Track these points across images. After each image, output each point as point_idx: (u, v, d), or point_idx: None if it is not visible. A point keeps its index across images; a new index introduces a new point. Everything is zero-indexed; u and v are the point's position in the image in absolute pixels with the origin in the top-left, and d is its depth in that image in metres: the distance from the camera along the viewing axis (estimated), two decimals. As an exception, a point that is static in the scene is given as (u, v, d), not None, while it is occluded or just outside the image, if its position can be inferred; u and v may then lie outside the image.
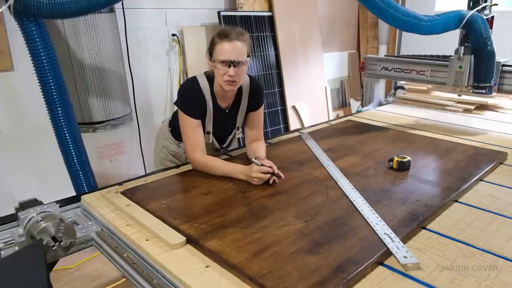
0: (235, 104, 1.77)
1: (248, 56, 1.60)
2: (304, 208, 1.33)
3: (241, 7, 3.66)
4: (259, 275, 0.97)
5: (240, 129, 1.87)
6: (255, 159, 1.59)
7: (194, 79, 1.70)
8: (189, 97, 1.67)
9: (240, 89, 1.74)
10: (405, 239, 1.15)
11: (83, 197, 1.47)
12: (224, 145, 1.88)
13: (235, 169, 1.59)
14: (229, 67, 1.54)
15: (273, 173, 1.52)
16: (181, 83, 1.77)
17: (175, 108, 1.74)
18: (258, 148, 1.76)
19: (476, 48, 2.20)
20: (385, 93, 4.74)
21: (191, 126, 1.66)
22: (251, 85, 1.77)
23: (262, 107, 1.84)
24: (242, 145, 2.43)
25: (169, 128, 1.92)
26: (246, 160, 1.79)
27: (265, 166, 1.52)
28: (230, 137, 1.87)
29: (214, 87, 1.68)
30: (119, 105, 2.67)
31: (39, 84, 1.83)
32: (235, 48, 1.54)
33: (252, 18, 3.69)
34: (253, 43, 3.65)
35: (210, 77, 1.68)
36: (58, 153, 1.96)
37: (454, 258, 1.08)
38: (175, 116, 1.90)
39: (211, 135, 1.77)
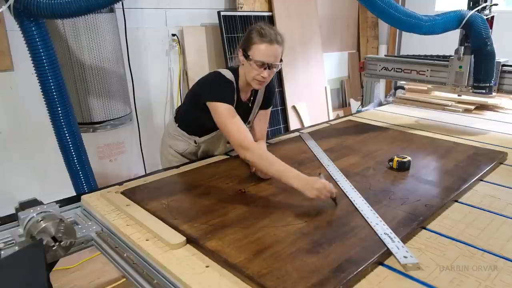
0: (252, 98, 1.80)
1: (281, 60, 1.60)
2: (304, 208, 1.33)
3: (241, 7, 3.66)
4: (259, 275, 0.97)
5: (251, 124, 1.89)
6: (320, 175, 1.38)
7: (219, 72, 1.68)
8: (222, 86, 1.63)
9: None
10: (405, 239, 1.15)
11: (83, 197, 1.47)
12: None
13: (293, 173, 1.36)
14: (265, 69, 1.56)
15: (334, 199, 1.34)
16: (203, 77, 1.68)
17: (175, 106, 1.74)
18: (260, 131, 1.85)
19: (476, 48, 2.20)
20: (385, 93, 4.74)
21: (232, 114, 1.55)
22: (268, 87, 1.81)
23: (271, 107, 1.89)
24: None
25: (177, 124, 1.89)
26: (242, 160, 1.79)
27: (329, 186, 1.30)
28: None
29: (239, 80, 1.69)
30: (119, 105, 2.66)
31: (39, 84, 1.82)
32: (274, 52, 1.55)
33: (252, 18, 3.69)
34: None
35: (234, 70, 1.69)
36: (58, 153, 1.96)
37: (454, 258, 1.08)
38: (179, 111, 1.92)
39: None
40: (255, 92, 1.80)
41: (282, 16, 3.90)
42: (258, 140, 1.84)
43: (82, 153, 1.97)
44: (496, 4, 2.29)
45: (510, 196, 1.45)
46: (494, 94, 2.42)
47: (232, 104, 1.61)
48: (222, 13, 3.44)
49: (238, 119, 1.56)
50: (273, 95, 1.89)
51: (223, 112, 1.56)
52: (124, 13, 2.90)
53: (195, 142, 1.84)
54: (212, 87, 1.63)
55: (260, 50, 1.53)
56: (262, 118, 1.88)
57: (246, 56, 1.57)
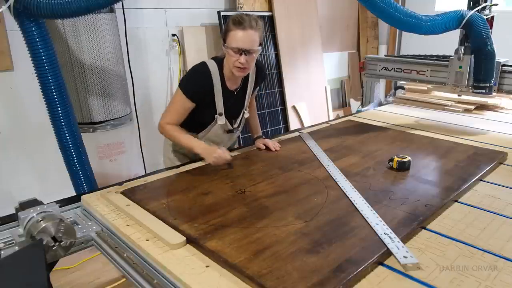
0: (242, 86, 1.84)
1: (260, 44, 1.65)
2: (304, 208, 1.33)
3: (241, 7, 3.66)
4: (259, 275, 0.97)
5: (247, 109, 1.93)
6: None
7: (203, 63, 1.75)
8: (193, 80, 1.73)
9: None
10: (405, 239, 1.15)
11: (83, 197, 1.47)
12: (235, 126, 1.90)
13: (196, 143, 1.68)
14: (241, 55, 1.60)
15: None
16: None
17: None
18: (255, 120, 2.05)
19: (476, 48, 2.20)
20: (385, 93, 4.74)
21: (182, 104, 1.71)
22: (257, 67, 1.86)
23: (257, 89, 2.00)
24: (242, 144, 2.43)
25: None
26: (242, 160, 1.79)
27: (226, 154, 1.62)
28: (240, 117, 1.91)
29: (224, 69, 1.73)
30: (119, 105, 2.67)
31: (39, 84, 1.83)
32: (248, 37, 1.59)
33: (252, 18, 3.68)
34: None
35: (219, 60, 1.74)
36: (58, 153, 1.96)
37: (454, 258, 1.08)
38: None
39: (223, 116, 1.80)
40: (245, 81, 1.82)
41: (282, 16, 3.90)
42: (253, 129, 2.04)
43: (82, 153, 1.97)
44: (496, 4, 2.29)
45: (510, 196, 1.45)
46: (494, 94, 2.42)
47: (194, 98, 1.70)
48: (222, 13, 3.44)
49: (180, 108, 1.72)
50: (265, 73, 1.96)
51: (177, 97, 1.72)
52: (124, 13, 2.90)
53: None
54: (187, 77, 1.77)
55: (235, 37, 1.59)
56: (249, 105, 1.97)
57: (225, 45, 1.63)
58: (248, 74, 1.82)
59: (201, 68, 1.73)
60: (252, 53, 1.62)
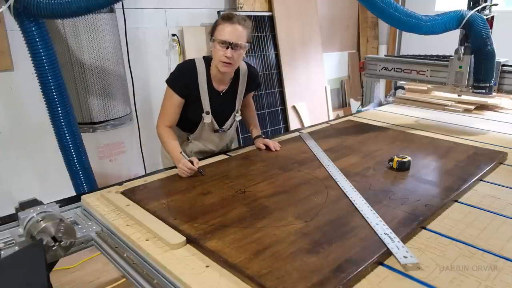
0: (231, 88, 1.82)
1: (247, 42, 1.65)
2: (304, 208, 1.33)
3: (241, 7, 3.66)
4: (259, 275, 0.97)
5: (239, 112, 1.92)
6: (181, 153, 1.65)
7: (191, 60, 1.77)
8: (180, 75, 1.74)
9: (237, 74, 1.81)
10: (405, 239, 1.15)
11: (83, 197, 1.47)
12: (224, 127, 1.89)
13: (174, 154, 1.67)
14: (227, 48, 1.60)
15: (198, 169, 1.60)
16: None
17: None
18: (254, 119, 2.01)
19: (476, 48, 2.20)
20: (385, 93, 4.74)
21: (171, 100, 1.72)
22: (249, 72, 1.85)
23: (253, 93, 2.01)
24: (242, 144, 2.43)
25: None
26: (242, 160, 1.79)
27: (192, 162, 1.59)
28: (230, 119, 1.89)
29: (211, 69, 1.74)
30: (119, 105, 2.67)
31: (39, 84, 1.83)
32: (236, 31, 1.60)
33: (252, 18, 3.67)
34: (253, 43, 3.66)
35: (208, 59, 1.75)
36: (58, 153, 1.96)
37: (454, 258, 1.08)
38: None
39: (210, 115, 1.80)
40: (234, 82, 1.81)
41: (282, 16, 3.90)
42: (248, 108, 1.99)
43: (82, 153, 1.97)
44: (496, 4, 2.29)
45: (510, 196, 1.45)
46: (494, 94, 2.42)
47: (183, 93, 1.71)
48: (222, 13, 3.44)
49: (172, 106, 1.73)
50: (258, 79, 1.94)
51: (168, 95, 1.74)
52: (124, 13, 2.90)
53: (188, 138, 1.87)
54: (174, 74, 1.76)
55: (223, 30, 1.60)
56: (247, 105, 1.97)
57: (212, 40, 1.64)
58: (239, 77, 1.81)
59: (188, 64, 1.75)
60: (239, 49, 1.62)
